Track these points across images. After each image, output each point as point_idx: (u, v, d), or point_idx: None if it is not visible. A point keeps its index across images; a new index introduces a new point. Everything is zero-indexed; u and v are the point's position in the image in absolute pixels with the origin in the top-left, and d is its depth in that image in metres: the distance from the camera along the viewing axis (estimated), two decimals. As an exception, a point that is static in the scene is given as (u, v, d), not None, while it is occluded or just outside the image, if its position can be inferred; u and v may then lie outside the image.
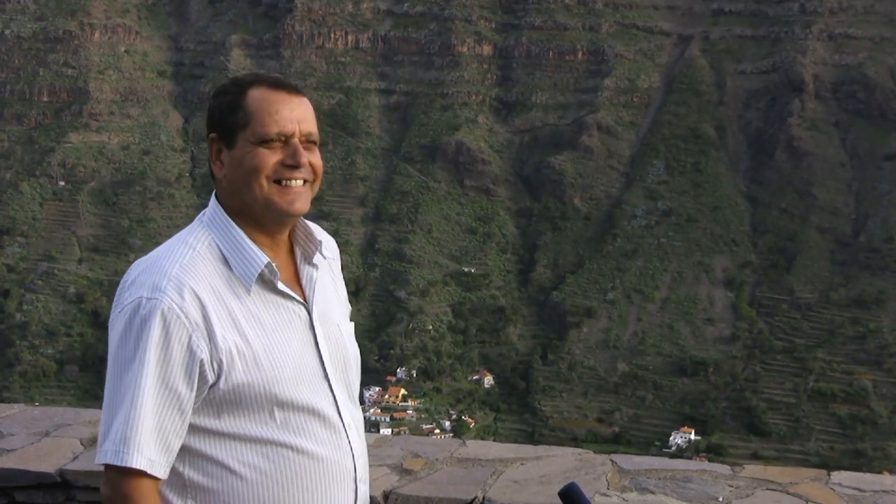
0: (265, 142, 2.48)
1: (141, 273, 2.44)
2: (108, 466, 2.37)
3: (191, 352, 2.38)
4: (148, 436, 2.35)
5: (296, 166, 2.51)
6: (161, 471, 2.38)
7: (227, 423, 2.45)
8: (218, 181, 2.55)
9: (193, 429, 2.44)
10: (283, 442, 2.48)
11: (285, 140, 2.50)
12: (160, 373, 2.36)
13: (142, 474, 2.36)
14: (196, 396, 2.41)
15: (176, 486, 2.46)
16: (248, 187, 2.49)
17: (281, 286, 2.53)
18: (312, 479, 2.52)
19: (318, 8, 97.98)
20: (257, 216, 2.52)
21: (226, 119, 2.50)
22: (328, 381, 2.58)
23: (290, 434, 2.49)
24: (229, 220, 2.51)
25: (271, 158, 2.49)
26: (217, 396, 2.43)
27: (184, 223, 2.65)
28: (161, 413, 2.36)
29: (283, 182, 2.50)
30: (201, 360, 2.39)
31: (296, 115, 2.51)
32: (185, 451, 2.44)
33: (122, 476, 2.36)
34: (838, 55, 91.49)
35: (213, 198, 2.57)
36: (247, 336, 2.45)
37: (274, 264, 2.51)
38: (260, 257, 2.49)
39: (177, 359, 2.37)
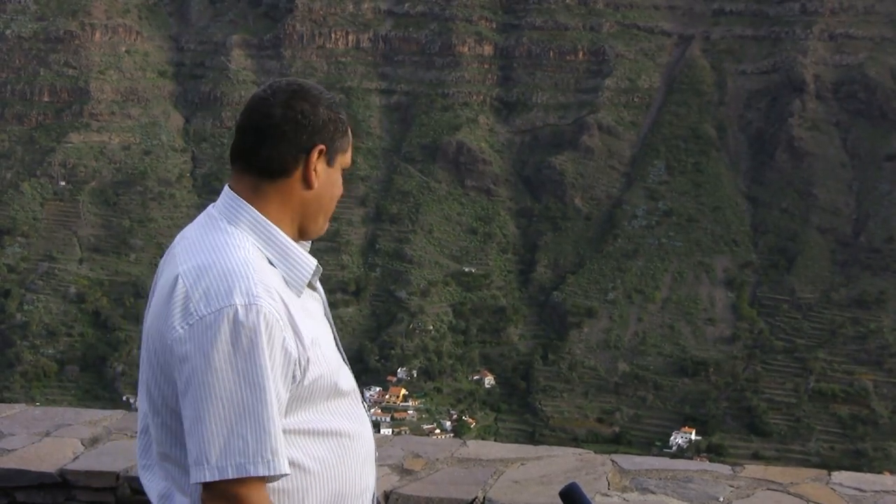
0: (343, 169, 2.63)
1: (213, 281, 2.35)
2: (233, 480, 2.31)
3: (286, 353, 2.38)
4: (281, 441, 2.35)
5: (340, 195, 2.66)
6: None
7: (294, 420, 2.46)
8: (305, 189, 2.52)
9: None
10: (338, 429, 2.53)
11: None
12: (272, 378, 2.34)
13: (264, 479, 2.35)
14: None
15: None
16: (328, 206, 2.60)
17: (317, 282, 2.59)
18: (360, 460, 2.59)
19: (319, 8, 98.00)
20: (306, 229, 2.59)
21: (337, 138, 2.56)
22: (346, 363, 2.66)
23: (343, 419, 2.55)
24: (269, 222, 2.50)
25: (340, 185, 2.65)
26: (292, 395, 2.44)
27: (184, 223, 2.60)
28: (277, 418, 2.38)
29: None
30: (295, 360, 2.40)
31: None
32: None
33: (250, 485, 2.33)
34: (839, 55, 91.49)
35: (235, 197, 2.51)
36: (314, 330, 2.49)
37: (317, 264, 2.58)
38: (309, 261, 2.53)
39: (279, 362, 2.36)
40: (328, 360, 2.49)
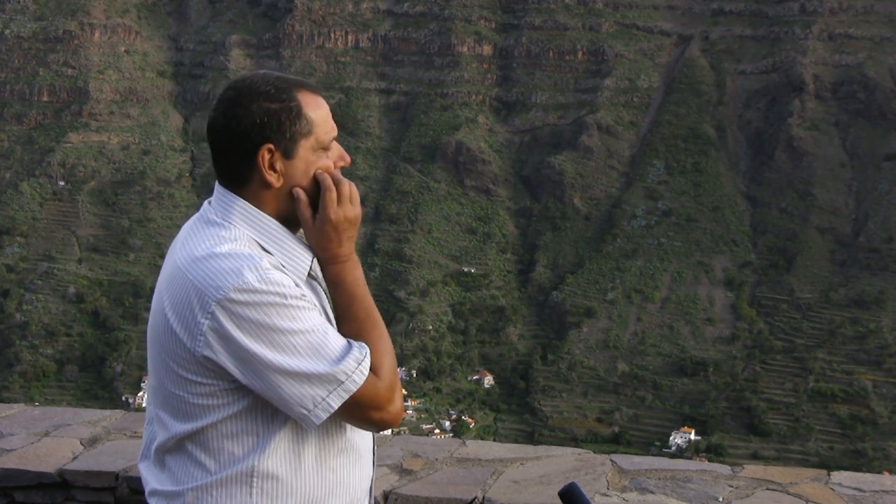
0: (325, 148, 2.52)
1: (222, 264, 2.35)
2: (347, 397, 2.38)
3: (308, 299, 2.42)
4: (343, 343, 2.40)
5: (346, 165, 2.58)
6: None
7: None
8: (269, 189, 2.47)
9: (277, 413, 2.41)
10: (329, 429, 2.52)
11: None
12: (305, 310, 2.38)
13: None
14: None
15: (267, 483, 2.43)
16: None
17: (317, 274, 2.56)
18: (364, 454, 2.59)
19: (318, 8, 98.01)
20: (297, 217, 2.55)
21: (286, 128, 2.45)
22: None
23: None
24: (261, 213, 2.48)
25: (329, 162, 2.53)
26: None
27: (183, 223, 2.59)
28: (328, 326, 2.42)
29: None
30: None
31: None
32: (272, 445, 2.42)
33: (358, 392, 2.39)
34: (838, 55, 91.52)
35: (225, 191, 2.50)
36: (326, 310, 2.51)
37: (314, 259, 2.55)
38: (306, 255, 2.51)
39: (304, 304, 2.39)
40: None
